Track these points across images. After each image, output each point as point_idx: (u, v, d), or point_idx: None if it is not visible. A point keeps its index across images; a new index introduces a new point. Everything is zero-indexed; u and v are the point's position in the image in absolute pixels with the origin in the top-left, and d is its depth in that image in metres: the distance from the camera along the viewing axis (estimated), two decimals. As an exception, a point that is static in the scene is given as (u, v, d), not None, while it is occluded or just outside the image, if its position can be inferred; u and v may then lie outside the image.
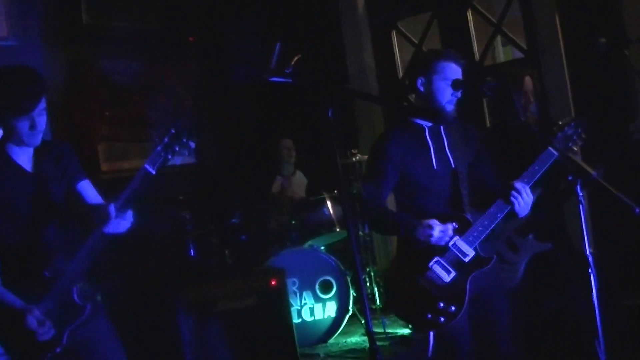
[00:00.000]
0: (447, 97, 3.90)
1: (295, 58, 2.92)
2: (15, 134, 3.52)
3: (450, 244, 3.79)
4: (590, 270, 3.65)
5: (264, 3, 8.06)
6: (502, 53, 8.89)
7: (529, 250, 4.74)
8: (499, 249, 4.68)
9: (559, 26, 6.42)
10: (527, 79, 4.97)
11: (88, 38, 6.95)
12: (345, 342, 6.13)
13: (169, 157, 3.53)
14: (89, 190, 3.78)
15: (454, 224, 3.81)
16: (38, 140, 3.58)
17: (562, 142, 3.85)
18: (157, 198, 7.15)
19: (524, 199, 3.74)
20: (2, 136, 3.60)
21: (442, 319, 3.78)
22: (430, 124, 3.96)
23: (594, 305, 3.65)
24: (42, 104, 3.50)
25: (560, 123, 3.90)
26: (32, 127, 3.50)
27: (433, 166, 3.90)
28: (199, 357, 4.99)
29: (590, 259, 3.66)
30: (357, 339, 6.14)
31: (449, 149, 3.95)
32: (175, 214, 6.01)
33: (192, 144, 3.57)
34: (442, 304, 3.78)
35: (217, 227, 6.52)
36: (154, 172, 3.48)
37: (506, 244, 4.75)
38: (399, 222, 3.85)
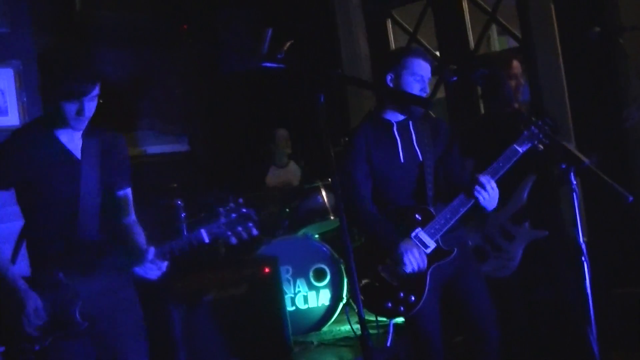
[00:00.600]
0: (416, 92, 3.95)
1: (287, 44, 2.91)
2: (61, 116, 3.32)
3: (412, 235, 3.87)
4: (583, 259, 3.64)
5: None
6: (497, 42, 8.87)
7: (524, 238, 4.72)
8: (493, 237, 4.69)
9: (554, 15, 6.40)
10: (516, 62, 4.96)
11: (81, 26, 6.93)
12: (338, 330, 6.12)
13: (228, 234, 3.38)
14: (125, 201, 3.62)
15: (417, 215, 3.90)
16: (83, 125, 3.40)
17: (527, 139, 3.89)
18: (149, 186, 7.16)
19: (488, 193, 3.80)
20: (47, 116, 3.44)
21: (402, 309, 3.88)
22: (398, 119, 4.05)
23: (586, 293, 3.64)
24: (96, 90, 3.34)
25: (528, 121, 3.93)
26: (80, 112, 3.30)
27: (400, 160, 3.99)
28: (191, 346, 4.98)
29: (583, 247, 3.66)
30: (350, 327, 6.12)
31: (417, 143, 4.03)
32: (167, 201, 5.98)
33: (255, 232, 3.40)
34: (402, 294, 3.88)
35: (209, 215, 6.50)
36: (207, 241, 3.37)
37: (500, 232, 4.74)
38: (378, 236, 3.92)
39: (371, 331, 3.16)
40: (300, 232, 6.59)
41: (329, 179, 6.64)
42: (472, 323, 4.07)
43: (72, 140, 3.45)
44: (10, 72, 5.96)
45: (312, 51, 6.26)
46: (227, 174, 6.96)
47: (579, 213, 3.68)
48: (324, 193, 6.64)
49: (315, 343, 5.78)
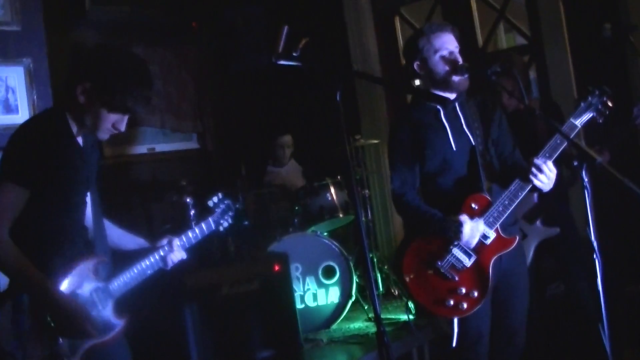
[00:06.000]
0: (448, 69, 3.76)
1: (303, 41, 2.90)
2: (92, 121, 3.11)
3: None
4: (595, 257, 3.61)
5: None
6: (505, 40, 8.87)
7: (537, 235, 4.72)
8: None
9: (562, 12, 6.40)
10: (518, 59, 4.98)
11: (91, 23, 6.95)
12: (348, 327, 6.12)
13: (215, 225, 3.75)
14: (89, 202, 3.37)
15: (473, 204, 3.69)
16: (107, 137, 3.21)
17: (584, 111, 3.67)
18: (158, 183, 7.17)
19: (546, 175, 3.58)
20: (65, 112, 3.15)
21: (465, 305, 3.68)
22: (444, 104, 3.83)
23: (598, 291, 3.62)
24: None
25: (584, 91, 3.74)
26: (118, 127, 3.15)
27: (452, 147, 3.77)
28: (202, 342, 4.99)
29: (595, 245, 3.62)
30: (360, 325, 6.13)
31: (467, 126, 3.81)
32: (177, 199, 5.98)
33: (231, 221, 3.78)
34: (463, 290, 3.68)
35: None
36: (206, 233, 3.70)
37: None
38: (428, 222, 3.73)
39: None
40: (310, 230, 6.59)
41: (338, 177, 6.65)
42: (504, 325, 3.90)
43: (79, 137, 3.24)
44: (21, 70, 5.96)
45: (322, 49, 6.26)
46: (237, 171, 6.96)
47: (591, 210, 3.66)
48: (332, 191, 6.64)
49: (325, 341, 5.77)
